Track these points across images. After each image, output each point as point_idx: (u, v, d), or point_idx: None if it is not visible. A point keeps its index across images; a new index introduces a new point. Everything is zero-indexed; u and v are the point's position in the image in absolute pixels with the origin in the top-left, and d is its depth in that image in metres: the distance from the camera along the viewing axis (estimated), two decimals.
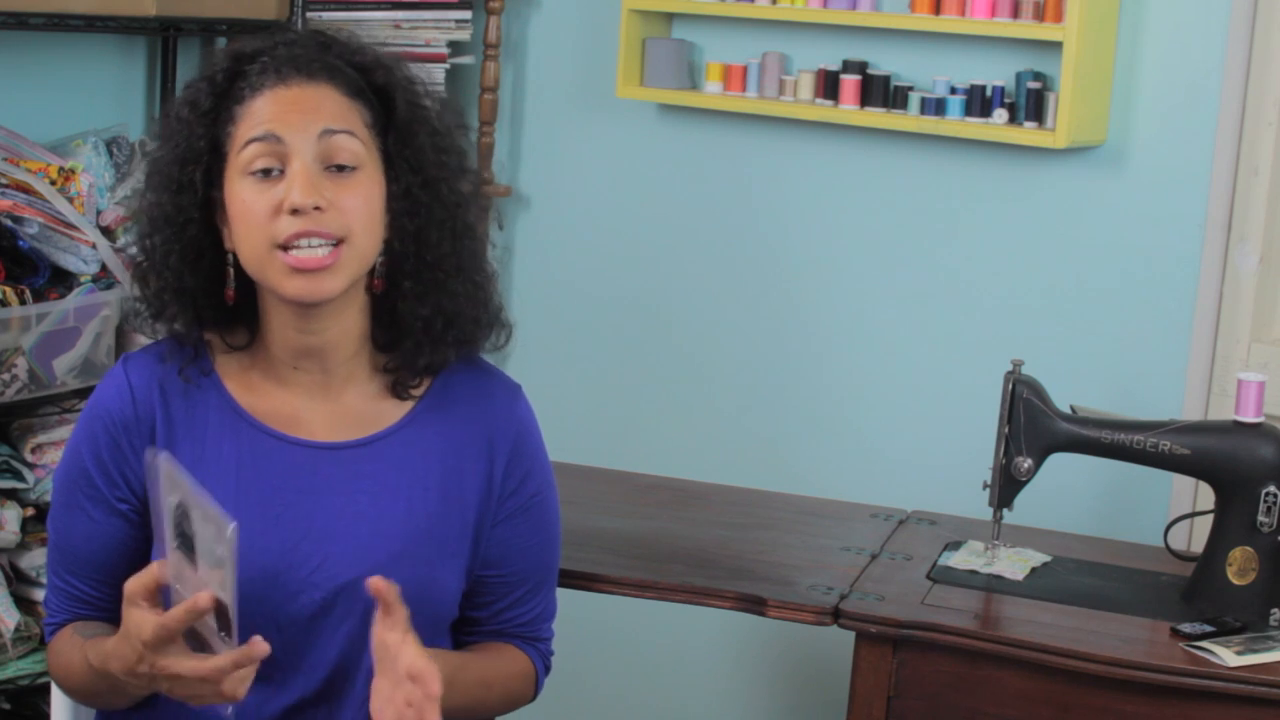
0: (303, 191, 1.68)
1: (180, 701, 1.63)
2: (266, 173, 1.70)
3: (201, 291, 1.77)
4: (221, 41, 3.31)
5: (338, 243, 1.70)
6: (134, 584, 1.60)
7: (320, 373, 1.80)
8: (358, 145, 1.73)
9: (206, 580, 1.54)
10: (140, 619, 1.58)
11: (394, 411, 1.83)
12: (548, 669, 1.96)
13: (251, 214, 1.70)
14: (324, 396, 1.80)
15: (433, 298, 1.78)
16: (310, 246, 1.69)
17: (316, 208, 1.68)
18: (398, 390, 1.82)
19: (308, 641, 1.76)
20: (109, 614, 1.82)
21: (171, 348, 1.82)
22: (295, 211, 1.68)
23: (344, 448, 1.80)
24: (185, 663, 1.57)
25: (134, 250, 1.82)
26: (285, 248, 1.69)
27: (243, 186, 1.71)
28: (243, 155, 1.71)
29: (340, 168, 1.72)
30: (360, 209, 1.72)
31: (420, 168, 1.77)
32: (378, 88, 1.78)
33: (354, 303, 1.78)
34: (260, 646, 1.56)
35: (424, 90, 1.83)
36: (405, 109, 1.78)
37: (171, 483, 1.55)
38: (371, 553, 1.76)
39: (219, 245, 1.76)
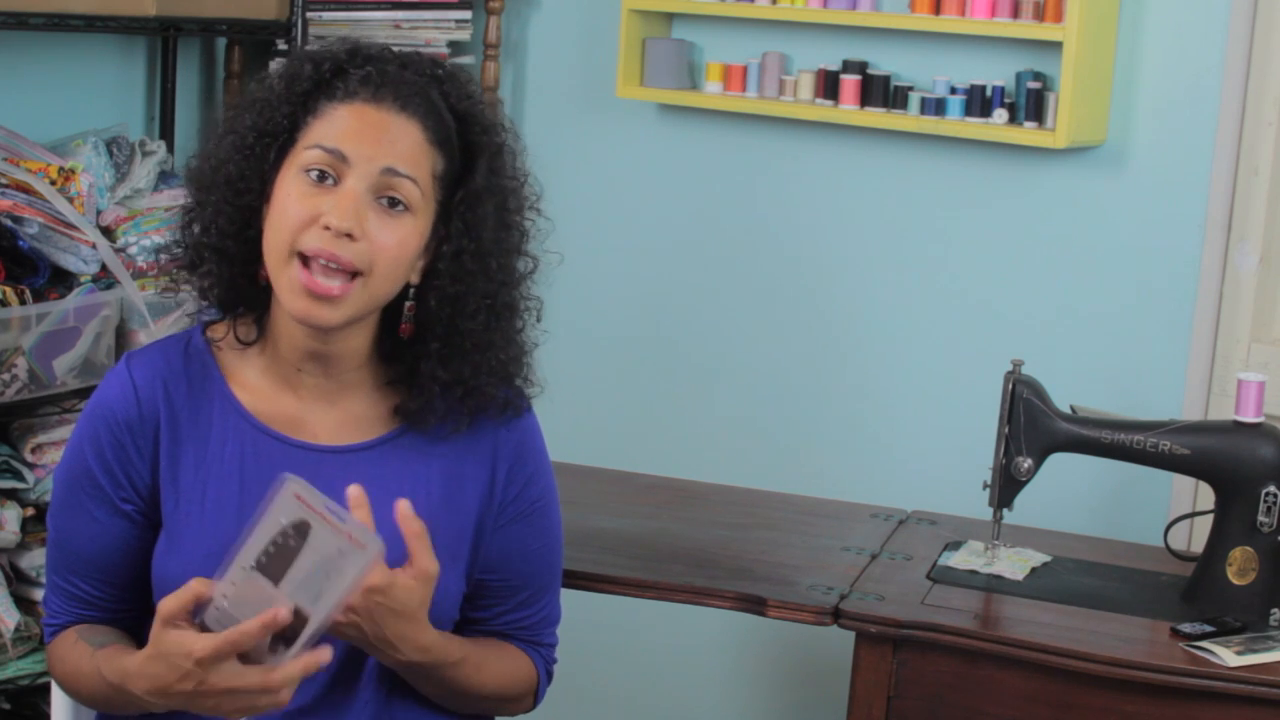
0: (342, 214, 1.67)
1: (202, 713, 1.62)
2: (322, 177, 1.70)
3: (239, 260, 1.76)
4: (222, 42, 3.31)
5: (354, 275, 1.69)
6: (172, 605, 1.58)
7: (324, 378, 1.79)
8: (416, 192, 1.72)
9: (288, 596, 1.54)
10: (183, 639, 1.57)
11: (397, 416, 1.83)
12: (550, 676, 1.95)
13: (289, 213, 1.69)
14: (328, 400, 1.80)
15: (456, 365, 1.78)
16: (327, 269, 1.68)
17: (349, 235, 1.68)
18: (404, 415, 1.81)
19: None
20: (112, 615, 1.81)
21: (176, 344, 1.81)
22: (328, 228, 1.67)
23: (347, 451, 1.80)
24: (249, 675, 1.56)
25: (187, 196, 1.81)
26: (305, 260, 1.69)
27: (294, 181, 1.71)
28: (306, 154, 1.71)
29: (392, 202, 1.71)
30: (391, 249, 1.71)
31: (478, 236, 1.76)
32: (467, 144, 1.78)
33: (367, 323, 1.78)
34: (325, 654, 1.56)
35: (512, 162, 1.82)
36: (484, 176, 1.77)
37: (294, 504, 1.54)
38: None
39: (264, 220, 1.75)
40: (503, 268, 1.79)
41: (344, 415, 1.81)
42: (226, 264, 1.76)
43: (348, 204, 1.68)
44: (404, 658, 1.70)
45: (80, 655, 1.76)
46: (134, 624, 1.83)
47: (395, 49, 1.81)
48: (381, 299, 1.74)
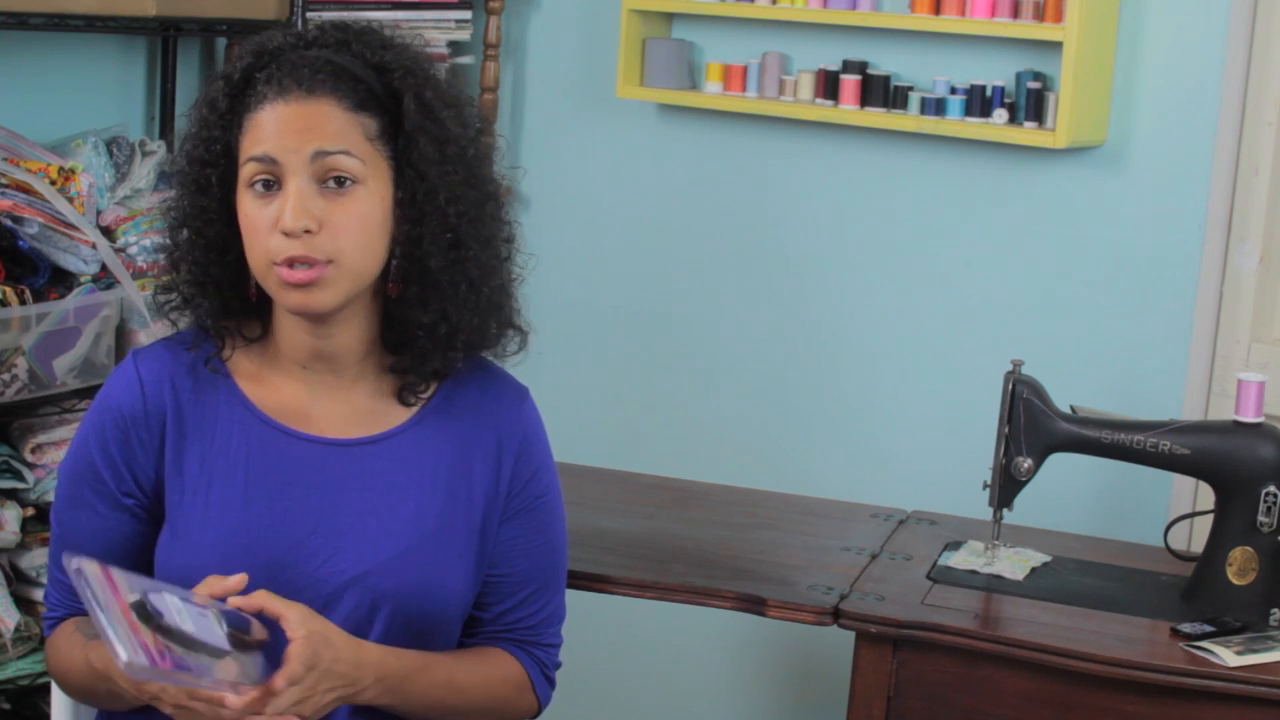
0: (293, 215, 1.69)
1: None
2: (267, 185, 1.72)
3: (227, 283, 1.78)
4: (222, 42, 3.31)
5: (328, 262, 1.71)
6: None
7: (330, 373, 1.80)
8: (355, 162, 1.72)
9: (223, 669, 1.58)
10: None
11: (403, 410, 1.83)
12: (550, 680, 1.94)
13: (252, 228, 1.72)
14: (334, 394, 1.81)
15: (435, 305, 1.78)
16: (299, 266, 1.70)
17: (307, 230, 1.69)
18: (404, 396, 1.83)
19: None
20: None
21: (182, 342, 1.82)
22: (286, 234, 1.69)
23: (353, 445, 1.80)
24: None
25: (166, 239, 1.83)
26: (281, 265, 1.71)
27: (246, 199, 1.73)
28: (245, 170, 1.73)
29: (340, 182, 1.72)
30: (352, 227, 1.72)
31: (424, 175, 1.76)
32: (393, 91, 1.78)
33: (363, 309, 1.79)
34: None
35: (441, 93, 1.81)
36: (414, 116, 1.77)
37: (124, 583, 1.55)
38: (378, 549, 1.76)
39: (241, 239, 1.77)
40: (454, 199, 1.78)
41: (351, 409, 1.81)
42: (216, 293, 1.79)
43: (294, 204, 1.69)
44: (369, 692, 1.71)
45: (74, 645, 1.78)
46: None
47: (303, 30, 1.81)
48: (367, 273, 1.75)
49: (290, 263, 1.69)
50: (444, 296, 1.78)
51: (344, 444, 1.80)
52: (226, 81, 1.77)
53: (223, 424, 1.78)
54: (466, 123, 1.83)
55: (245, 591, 1.69)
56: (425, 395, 1.84)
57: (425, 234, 1.76)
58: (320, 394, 1.81)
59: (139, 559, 1.79)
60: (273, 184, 1.71)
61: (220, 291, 1.78)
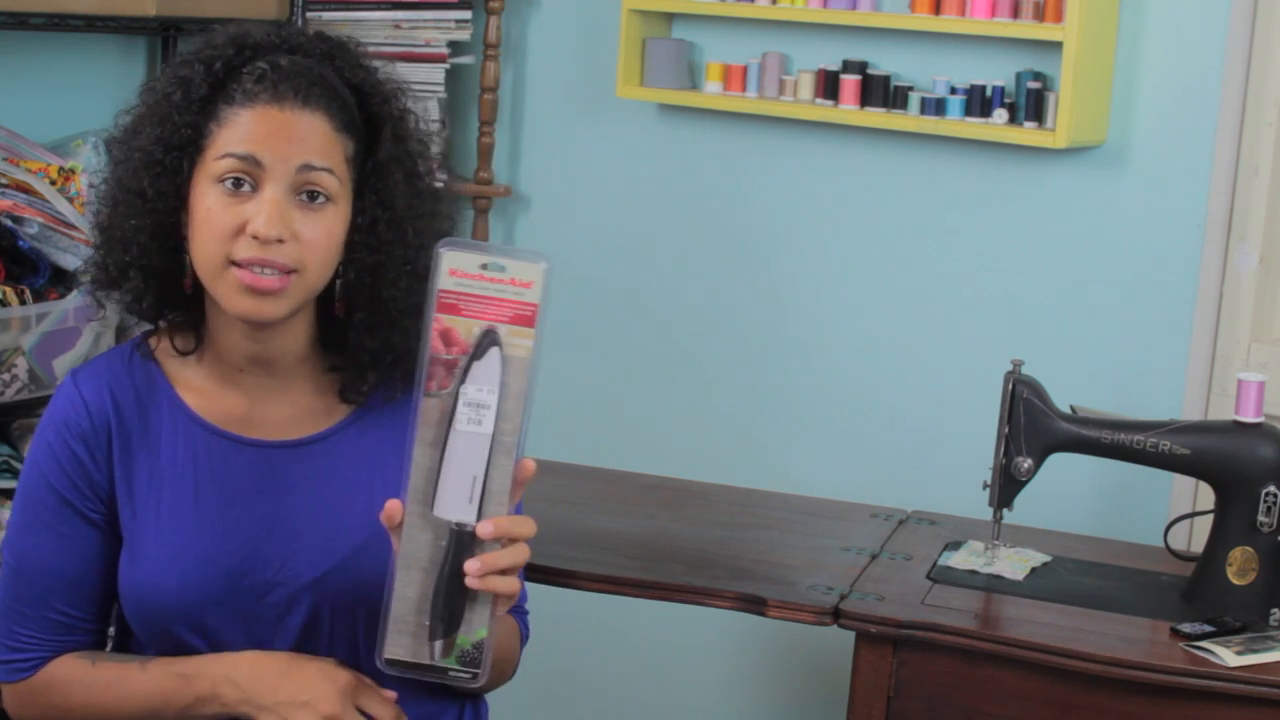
0: (268, 222, 1.67)
1: None
2: (238, 184, 1.69)
3: (163, 272, 1.75)
4: None
5: (290, 272, 1.70)
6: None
7: (267, 375, 1.79)
8: (334, 181, 1.72)
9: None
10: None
11: (346, 405, 1.82)
12: (525, 640, 1.94)
13: (214, 225, 1.69)
14: (273, 396, 1.79)
15: (383, 333, 1.77)
16: (262, 271, 1.68)
17: (279, 240, 1.68)
18: (345, 394, 1.82)
19: (278, 640, 1.75)
20: (96, 637, 1.80)
21: (121, 358, 1.81)
22: (256, 237, 1.67)
23: (298, 445, 1.79)
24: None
25: (97, 208, 1.79)
26: (240, 265, 1.69)
27: (210, 192, 1.70)
28: (218, 164, 1.70)
29: (313, 196, 1.71)
30: (320, 242, 1.71)
31: (391, 205, 1.76)
32: (369, 116, 1.77)
33: (302, 316, 1.77)
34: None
35: (414, 125, 1.81)
36: (389, 145, 1.77)
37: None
38: (335, 547, 1.75)
39: (184, 229, 1.75)
40: (419, 232, 1.78)
41: (292, 409, 1.80)
42: (153, 278, 1.76)
43: (272, 211, 1.68)
44: None
45: (105, 670, 1.75)
46: (113, 647, 1.82)
47: (281, 31, 1.79)
48: (318, 288, 1.74)
49: (253, 265, 1.67)
50: (392, 326, 1.77)
51: (289, 445, 1.79)
52: (207, 67, 1.73)
53: (167, 436, 1.77)
54: (431, 156, 1.83)
55: (209, 602, 1.70)
56: (366, 390, 1.82)
57: (386, 262, 1.76)
58: (259, 397, 1.79)
59: (110, 579, 1.77)
60: (243, 183, 1.69)
61: (157, 278, 1.75)
